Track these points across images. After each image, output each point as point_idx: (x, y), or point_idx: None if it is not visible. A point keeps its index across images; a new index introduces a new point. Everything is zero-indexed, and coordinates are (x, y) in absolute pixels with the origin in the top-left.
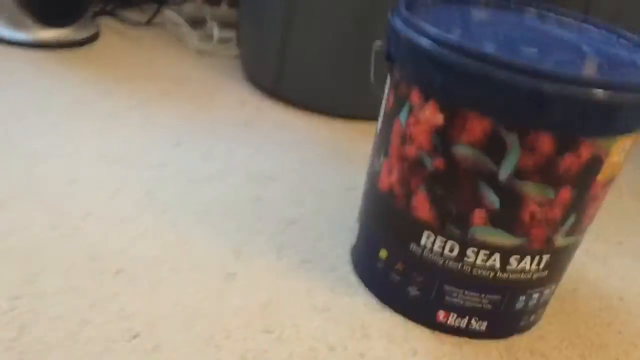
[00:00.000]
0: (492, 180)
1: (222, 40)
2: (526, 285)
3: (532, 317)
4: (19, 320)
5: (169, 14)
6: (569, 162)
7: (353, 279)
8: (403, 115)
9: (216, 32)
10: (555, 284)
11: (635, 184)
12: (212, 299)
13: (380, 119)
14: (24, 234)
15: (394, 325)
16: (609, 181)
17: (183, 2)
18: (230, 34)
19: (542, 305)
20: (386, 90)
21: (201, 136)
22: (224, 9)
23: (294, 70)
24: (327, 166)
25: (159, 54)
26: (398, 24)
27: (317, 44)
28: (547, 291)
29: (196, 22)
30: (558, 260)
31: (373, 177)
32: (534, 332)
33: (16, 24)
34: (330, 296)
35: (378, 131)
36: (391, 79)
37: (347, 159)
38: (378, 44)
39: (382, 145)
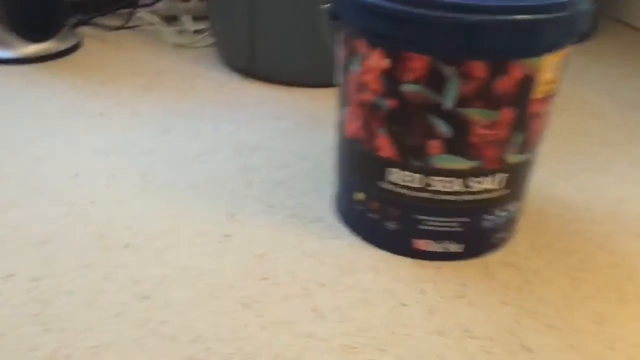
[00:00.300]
0: (439, 111)
1: (197, 33)
2: (490, 205)
3: (503, 235)
4: (41, 298)
5: (143, 14)
6: (503, 84)
7: (338, 225)
8: (355, 66)
9: (189, 25)
10: (518, 201)
11: (597, 107)
12: (212, 258)
13: (338, 74)
14: (37, 224)
15: (378, 259)
16: (547, 98)
17: (156, 2)
18: (204, 25)
19: (510, 222)
20: (338, 48)
21: (187, 121)
22: (195, 3)
23: (265, 49)
24: (307, 131)
25: (138, 53)
26: None
27: (282, 19)
28: (512, 208)
29: (170, 19)
30: (515, 178)
31: (340, 127)
32: (507, 248)
33: (2, 44)
34: (319, 242)
35: (338, 85)
36: (341, 36)
37: (325, 122)
38: (325, 7)
39: (343, 97)
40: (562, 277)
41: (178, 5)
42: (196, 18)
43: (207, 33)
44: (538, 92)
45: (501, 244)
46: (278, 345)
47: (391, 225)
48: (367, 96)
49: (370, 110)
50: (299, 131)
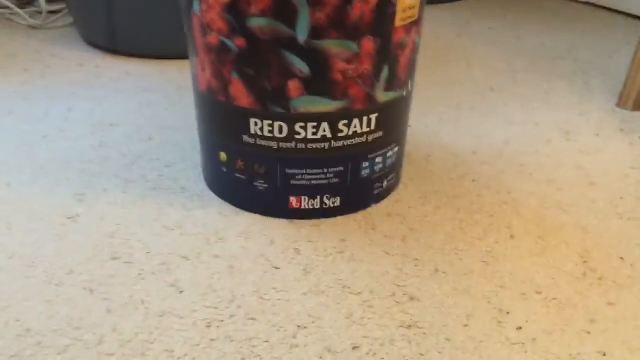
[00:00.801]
0: (293, 45)
1: (52, 13)
2: (364, 150)
3: (385, 184)
4: None
5: None
6: (358, 9)
7: (207, 193)
8: (196, 6)
9: (44, 5)
10: (396, 145)
11: (483, 56)
12: (52, 242)
13: (185, 21)
14: None
15: (251, 224)
16: (410, 26)
17: None
18: (60, 5)
19: (391, 169)
20: None
21: (36, 102)
22: None
23: (126, 23)
24: (175, 103)
25: None
26: None
27: None
28: (389, 153)
29: (24, 1)
30: (388, 118)
31: (194, 81)
32: (391, 198)
33: None
34: (183, 213)
35: (187, 35)
36: None
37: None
38: None
39: (191, 46)
40: (449, 221)
41: None
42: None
43: (64, 12)
44: (399, 18)
45: (384, 194)
46: (126, 329)
47: (260, 185)
48: (213, 38)
49: (218, 54)
50: (166, 103)
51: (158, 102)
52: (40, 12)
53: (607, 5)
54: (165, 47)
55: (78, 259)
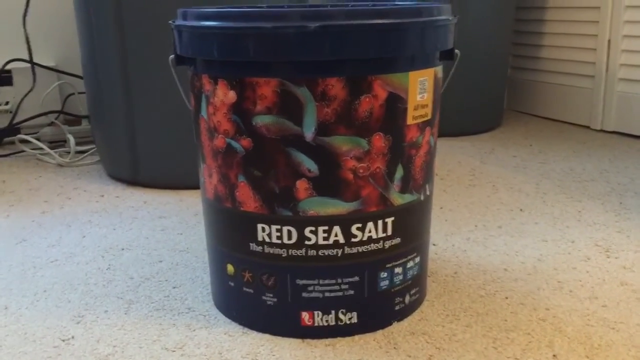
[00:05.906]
0: (300, 143)
1: (82, 153)
2: (382, 258)
3: (408, 299)
4: None
5: (24, 138)
6: (367, 104)
7: (214, 313)
8: (204, 109)
9: (72, 144)
10: (417, 255)
11: (509, 180)
12: None
13: (194, 131)
14: None
15: (259, 345)
16: (424, 126)
17: (41, 128)
18: (90, 146)
19: (413, 283)
20: (189, 100)
21: (51, 230)
22: (84, 126)
23: (147, 156)
24: (190, 227)
25: (14, 175)
26: (178, 21)
27: (160, 126)
28: (410, 263)
29: (56, 142)
30: (406, 223)
31: (202, 191)
32: (414, 315)
33: None
34: (187, 334)
35: (196, 143)
36: (189, 84)
37: None
38: (172, 57)
39: (199, 153)
40: (481, 339)
41: (64, 128)
42: (86, 141)
43: (92, 151)
44: (411, 116)
45: (408, 312)
46: None
47: (270, 299)
48: (220, 141)
49: (225, 158)
50: (182, 228)
51: (174, 228)
52: (69, 152)
53: (635, 134)
54: (185, 178)
55: None
